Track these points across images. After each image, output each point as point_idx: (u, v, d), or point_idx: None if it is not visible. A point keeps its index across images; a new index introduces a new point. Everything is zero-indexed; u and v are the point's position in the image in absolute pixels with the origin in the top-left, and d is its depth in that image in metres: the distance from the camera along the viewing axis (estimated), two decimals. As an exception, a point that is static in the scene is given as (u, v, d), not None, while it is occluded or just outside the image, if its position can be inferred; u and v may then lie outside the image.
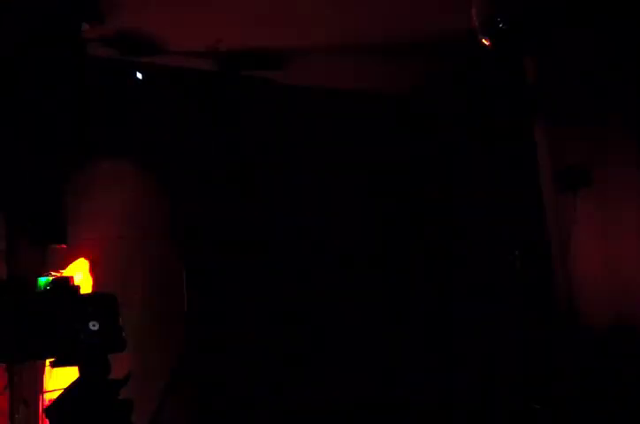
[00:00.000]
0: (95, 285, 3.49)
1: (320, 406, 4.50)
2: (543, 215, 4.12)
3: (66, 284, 2.59)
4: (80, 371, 2.51)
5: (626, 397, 3.46)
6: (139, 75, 3.80)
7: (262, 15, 3.75)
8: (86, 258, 3.63)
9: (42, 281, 2.68)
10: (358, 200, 5.28)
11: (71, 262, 3.58)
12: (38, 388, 3.30)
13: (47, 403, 3.17)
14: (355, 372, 4.85)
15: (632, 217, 3.51)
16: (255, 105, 4.63)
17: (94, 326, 2.51)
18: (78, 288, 2.66)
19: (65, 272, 3.38)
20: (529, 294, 4.44)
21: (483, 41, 3.23)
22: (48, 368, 3.28)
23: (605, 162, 3.67)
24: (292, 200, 4.95)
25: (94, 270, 3.64)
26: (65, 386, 2.51)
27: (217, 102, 4.39)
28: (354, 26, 4.03)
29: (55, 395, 2.71)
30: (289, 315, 4.72)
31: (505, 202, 4.77)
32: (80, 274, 3.47)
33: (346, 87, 5.13)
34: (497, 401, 4.33)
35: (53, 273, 3.40)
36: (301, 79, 4.83)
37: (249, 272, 4.64)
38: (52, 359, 2.54)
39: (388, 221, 5.37)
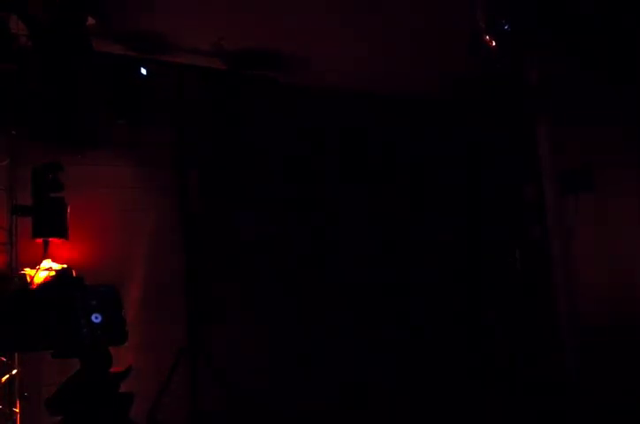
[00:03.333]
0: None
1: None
2: (544, 217, 4.13)
3: (70, 276, 2.59)
4: (82, 363, 2.51)
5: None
6: (143, 71, 3.80)
7: (271, 16, 3.77)
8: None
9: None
10: (361, 198, 5.29)
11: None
12: (40, 380, 3.30)
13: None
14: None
15: (633, 218, 3.53)
16: (262, 104, 4.64)
17: (96, 318, 2.51)
18: (82, 280, 2.66)
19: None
20: (529, 294, 4.45)
21: (487, 41, 3.26)
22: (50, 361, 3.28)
23: (606, 163, 3.68)
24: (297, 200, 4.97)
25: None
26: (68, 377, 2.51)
27: (223, 101, 4.39)
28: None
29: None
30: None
31: (507, 203, 4.78)
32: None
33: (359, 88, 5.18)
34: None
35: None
36: (314, 81, 4.88)
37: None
38: (54, 351, 2.53)
39: (389, 220, 5.38)
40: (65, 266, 3.39)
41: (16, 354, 3.21)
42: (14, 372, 3.24)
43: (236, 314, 4.41)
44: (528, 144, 4.25)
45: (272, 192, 4.87)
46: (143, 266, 4.18)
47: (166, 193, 4.34)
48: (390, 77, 4.96)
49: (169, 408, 3.90)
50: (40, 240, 3.36)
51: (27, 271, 3.33)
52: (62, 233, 3.34)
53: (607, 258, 3.73)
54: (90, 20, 2.80)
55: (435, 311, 5.20)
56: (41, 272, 3.30)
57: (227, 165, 4.67)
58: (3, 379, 3.23)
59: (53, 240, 3.40)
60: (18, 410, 3.22)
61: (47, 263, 3.34)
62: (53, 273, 3.24)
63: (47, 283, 2.65)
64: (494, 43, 3.28)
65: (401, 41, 4.27)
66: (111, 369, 2.59)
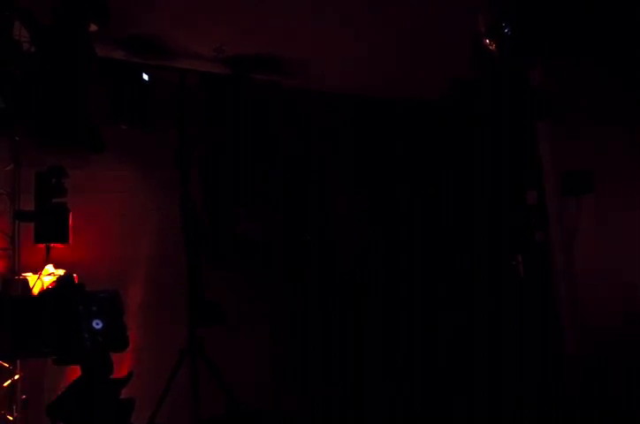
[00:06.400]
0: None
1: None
2: (546, 220, 4.13)
3: (71, 282, 2.58)
4: (83, 369, 2.50)
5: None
6: (145, 77, 3.80)
7: (275, 19, 3.76)
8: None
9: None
10: (362, 199, 5.30)
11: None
12: (41, 386, 3.29)
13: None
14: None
15: (633, 218, 3.54)
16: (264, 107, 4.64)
17: (97, 324, 2.50)
18: (82, 286, 2.65)
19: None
20: (530, 298, 4.44)
21: (488, 45, 3.25)
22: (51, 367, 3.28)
23: (607, 164, 3.69)
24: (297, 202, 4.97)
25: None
26: (68, 384, 2.50)
27: (225, 105, 4.39)
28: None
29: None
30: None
31: (504, 204, 4.78)
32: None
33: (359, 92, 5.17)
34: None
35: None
36: (314, 84, 4.87)
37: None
38: (55, 357, 2.53)
39: (390, 224, 5.38)
40: (66, 271, 3.40)
41: (17, 360, 3.21)
42: (16, 377, 3.24)
43: (237, 315, 4.40)
44: (529, 146, 4.25)
45: (274, 192, 4.88)
46: (146, 268, 4.19)
47: (168, 195, 4.33)
48: (390, 79, 4.95)
49: (170, 412, 3.89)
50: (42, 245, 3.36)
51: (29, 276, 3.33)
52: (63, 238, 3.34)
53: (609, 259, 3.73)
54: (92, 27, 2.80)
55: (430, 317, 5.21)
56: (43, 277, 3.30)
57: (229, 166, 4.67)
58: (5, 384, 3.23)
59: (55, 245, 3.40)
60: (19, 415, 3.22)
61: (49, 268, 3.34)
62: (55, 278, 3.24)
63: (48, 290, 2.65)
64: (495, 47, 3.27)
65: (402, 43, 4.26)
66: (112, 376, 2.59)
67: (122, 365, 2.75)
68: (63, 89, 2.83)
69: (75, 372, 2.55)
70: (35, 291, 3.21)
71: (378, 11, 3.80)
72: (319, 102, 5.10)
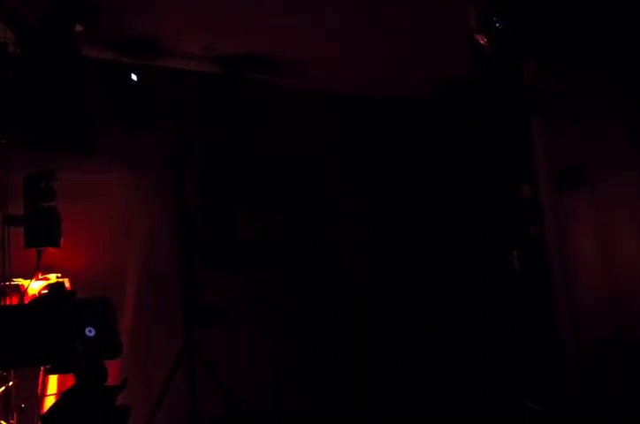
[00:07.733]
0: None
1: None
2: (541, 216, 4.11)
3: (62, 289, 2.56)
4: (77, 378, 2.48)
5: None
6: (133, 77, 3.77)
7: (273, 19, 3.74)
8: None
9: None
10: (361, 200, 5.28)
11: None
12: (35, 393, 3.27)
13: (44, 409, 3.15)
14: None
15: (630, 216, 3.52)
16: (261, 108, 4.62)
17: (90, 332, 2.48)
18: (74, 293, 2.62)
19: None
20: (527, 294, 4.43)
21: (480, 40, 3.21)
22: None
23: (603, 161, 3.67)
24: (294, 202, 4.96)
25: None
26: (62, 392, 2.48)
27: (220, 105, 4.37)
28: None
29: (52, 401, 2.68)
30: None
31: (503, 202, 4.77)
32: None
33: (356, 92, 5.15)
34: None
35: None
36: (309, 84, 4.84)
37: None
38: (48, 366, 2.50)
39: (390, 224, 5.37)
40: (59, 275, 3.38)
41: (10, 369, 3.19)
42: (10, 384, 3.22)
43: (237, 315, 4.39)
44: (525, 143, 4.23)
45: (274, 192, 4.86)
46: (140, 270, 4.17)
47: (164, 196, 4.31)
48: (390, 79, 4.93)
49: (168, 415, 3.88)
50: (33, 250, 3.33)
51: (21, 281, 3.31)
52: (54, 242, 3.31)
53: (605, 256, 3.71)
54: (78, 27, 2.76)
55: (430, 317, 5.20)
56: (35, 282, 3.28)
57: (228, 166, 4.65)
58: (0, 391, 3.21)
59: (47, 249, 3.37)
60: (15, 422, 3.20)
61: (41, 274, 3.32)
62: (47, 283, 3.22)
63: (38, 298, 2.63)
64: (486, 42, 3.23)
65: (402, 43, 4.23)
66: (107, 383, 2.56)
67: (118, 370, 2.72)
68: (54, 91, 2.80)
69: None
70: (27, 296, 3.20)
71: (378, 11, 3.77)
72: (319, 102, 5.08)
